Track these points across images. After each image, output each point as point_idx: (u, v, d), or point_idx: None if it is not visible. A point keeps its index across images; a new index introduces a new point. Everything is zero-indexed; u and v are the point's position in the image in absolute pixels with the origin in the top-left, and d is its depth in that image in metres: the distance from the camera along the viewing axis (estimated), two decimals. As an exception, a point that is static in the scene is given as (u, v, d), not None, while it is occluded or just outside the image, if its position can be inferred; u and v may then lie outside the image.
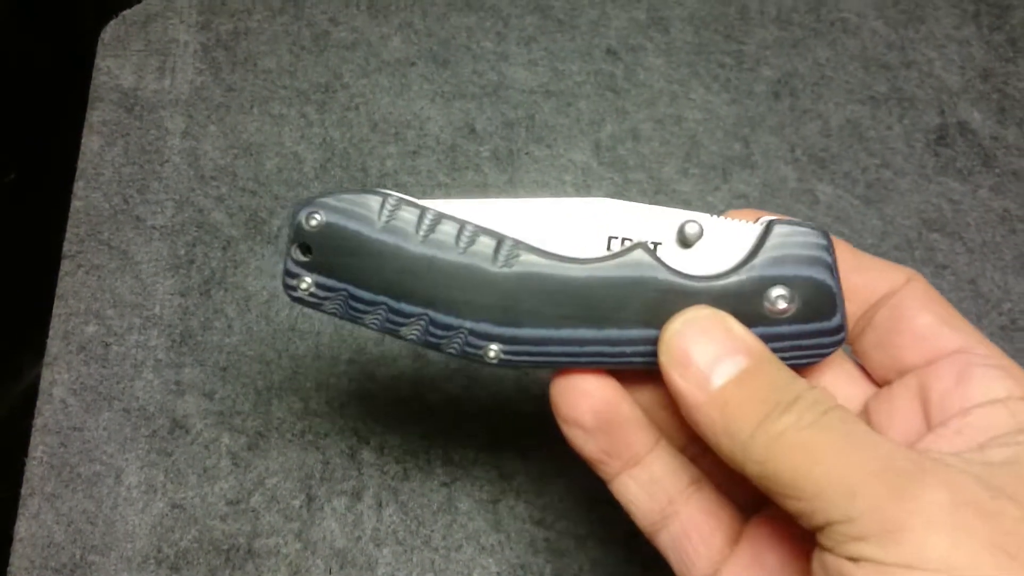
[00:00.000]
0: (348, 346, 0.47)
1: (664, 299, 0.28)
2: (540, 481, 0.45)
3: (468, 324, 0.28)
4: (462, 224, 0.28)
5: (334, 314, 0.29)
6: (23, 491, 0.45)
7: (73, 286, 0.48)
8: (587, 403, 0.29)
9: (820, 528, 0.23)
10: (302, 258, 0.28)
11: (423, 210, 0.28)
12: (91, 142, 0.52)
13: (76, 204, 0.50)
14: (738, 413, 0.25)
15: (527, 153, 0.52)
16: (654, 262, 0.27)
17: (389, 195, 0.28)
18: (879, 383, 0.30)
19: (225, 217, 0.50)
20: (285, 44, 0.55)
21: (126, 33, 0.55)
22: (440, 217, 0.28)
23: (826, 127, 0.53)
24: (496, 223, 0.28)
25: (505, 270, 0.27)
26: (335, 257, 0.28)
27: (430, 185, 0.51)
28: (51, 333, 0.48)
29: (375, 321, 0.28)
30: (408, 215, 0.28)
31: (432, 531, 0.44)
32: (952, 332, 0.28)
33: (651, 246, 0.28)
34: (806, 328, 0.28)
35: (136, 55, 0.54)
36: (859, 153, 0.52)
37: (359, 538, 0.44)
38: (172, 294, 0.48)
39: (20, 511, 0.44)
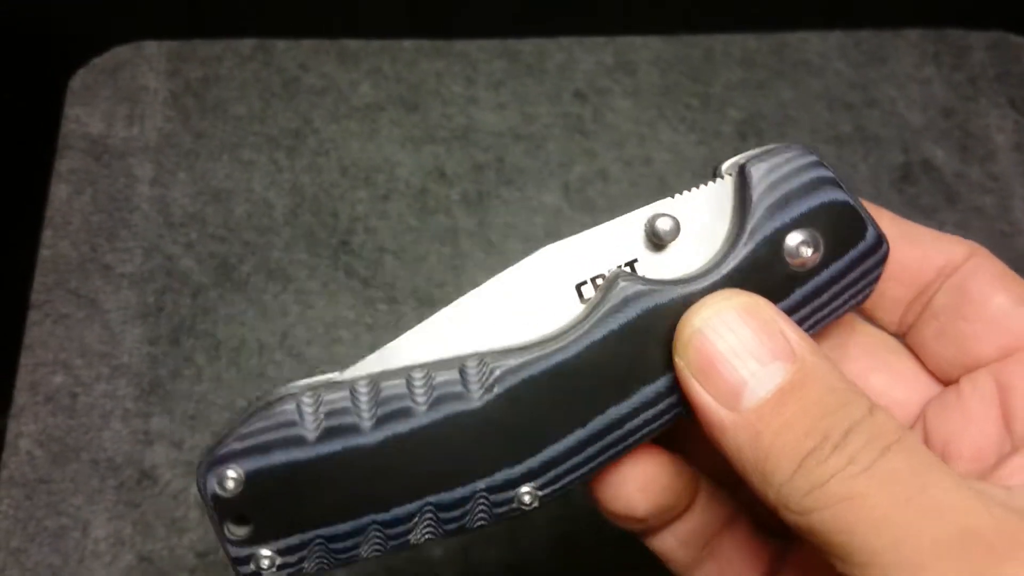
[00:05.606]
0: (319, 392, 0.47)
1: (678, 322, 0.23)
2: (512, 525, 0.45)
3: (482, 484, 0.22)
4: (407, 375, 0.22)
5: (323, 569, 0.22)
6: (-12, 546, 0.44)
7: (41, 336, 0.48)
8: (646, 499, 0.24)
9: None
10: (242, 533, 0.22)
11: (352, 387, 0.21)
12: (59, 190, 0.52)
13: (44, 253, 0.50)
14: (774, 447, 0.20)
15: (497, 196, 0.52)
16: (644, 287, 0.22)
17: (301, 392, 0.21)
18: (942, 380, 0.25)
19: (194, 264, 0.50)
20: (255, 90, 0.55)
21: (95, 81, 0.55)
22: (376, 382, 0.21)
23: (792, 166, 0.54)
24: (442, 345, 0.22)
25: (488, 397, 0.22)
26: (282, 508, 0.21)
27: (400, 229, 0.51)
28: (18, 384, 0.47)
29: (376, 547, 0.22)
30: (339, 403, 0.21)
31: (404, 579, 0.43)
32: None
33: (627, 269, 0.23)
34: (844, 263, 0.23)
35: (105, 103, 0.54)
36: (825, 192, 0.53)
37: (330, 588, 0.43)
38: (141, 343, 0.48)
39: (-15, 567, 0.44)
